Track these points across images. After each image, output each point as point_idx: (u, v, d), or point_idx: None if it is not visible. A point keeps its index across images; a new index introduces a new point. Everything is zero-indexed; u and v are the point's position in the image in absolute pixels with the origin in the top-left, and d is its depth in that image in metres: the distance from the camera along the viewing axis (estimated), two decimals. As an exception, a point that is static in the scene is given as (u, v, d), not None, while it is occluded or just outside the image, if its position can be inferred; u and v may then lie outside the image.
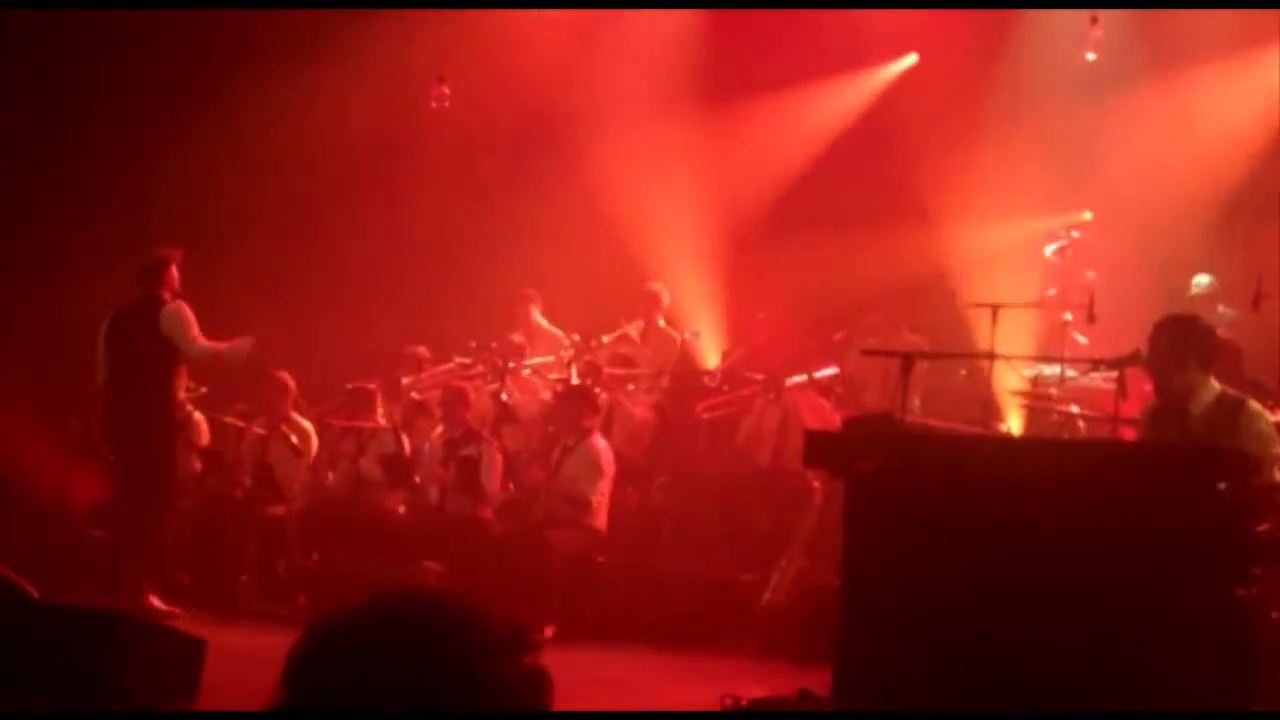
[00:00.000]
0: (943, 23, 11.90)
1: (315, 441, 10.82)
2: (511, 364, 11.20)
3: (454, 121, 12.17)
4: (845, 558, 5.77)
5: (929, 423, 7.25)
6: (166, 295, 9.20)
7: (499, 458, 10.24)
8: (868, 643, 5.57)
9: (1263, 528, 5.45)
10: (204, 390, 10.59)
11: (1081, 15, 10.90)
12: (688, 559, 9.91)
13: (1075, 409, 9.02)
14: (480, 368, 11.36)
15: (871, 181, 11.92)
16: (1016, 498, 5.39)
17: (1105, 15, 10.80)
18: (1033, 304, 9.88)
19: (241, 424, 10.87)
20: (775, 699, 6.21)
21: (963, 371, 10.70)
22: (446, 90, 11.72)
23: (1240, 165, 10.98)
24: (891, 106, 12.47)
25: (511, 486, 10.48)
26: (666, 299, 11.95)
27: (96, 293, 10.11)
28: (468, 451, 10.15)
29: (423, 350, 11.79)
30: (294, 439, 10.67)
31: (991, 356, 8.52)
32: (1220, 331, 7.14)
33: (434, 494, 10.28)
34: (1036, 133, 11.53)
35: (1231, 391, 6.40)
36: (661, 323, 11.91)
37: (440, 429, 10.67)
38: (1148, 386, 6.80)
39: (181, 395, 9.63)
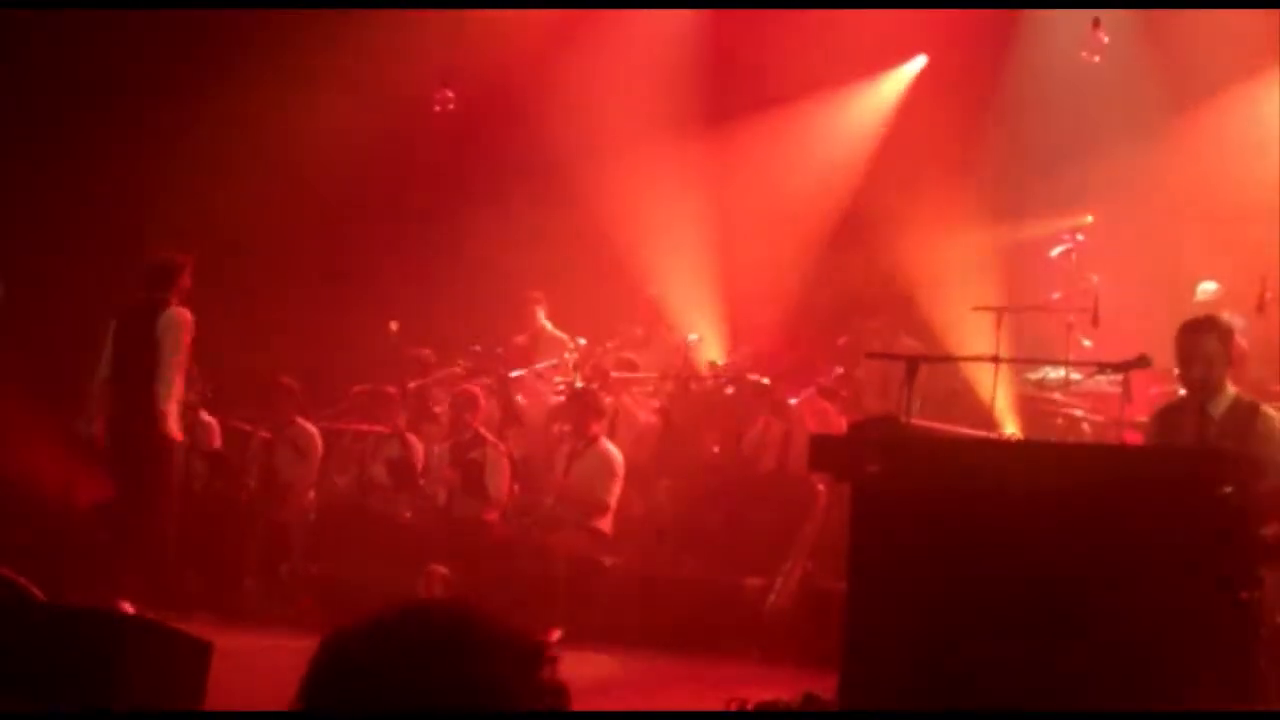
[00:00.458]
0: (943, 24, 11.90)
1: (320, 446, 10.83)
2: (514, 373, 11.20)
3: (458, 125, 12.17)
4: (850, 562, 5.78)
5: (933, 426, 7.25)
6: (174, 299, 9.21)
7: (505, 461, 10.24)
8: (873, 646, 5.57)
9: (1268, 531, 5.46)
10: (210, 395, 10.58)
11: (1083, 16, 10.88)
12: (692, 563, 9.91)
13: (1080, 412, 9.01)
14: (485, 377, 11.36)
15: (871, 184, 11.92)
16: (1022, 501, 5.39)
17: (1108, 16, 10.77)
18: (1037, 307, 9.87)
19: (248, 428, 10.88)
20: (780, 703, 6.20)
21: (963, 375, 10.68)
22: (450, 94, 11.73)
23: (1240, 168, 10.96)
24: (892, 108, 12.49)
25: (518, 490, 10.48)
26: (668, 304, 11.96)
27: (97, 293, 10.10)
28: (474, 455, 10.15)
29: (427, 353, 11.79)
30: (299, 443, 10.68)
31: (995, 360, 8.51)
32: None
33: (441, 497, 10.29)
34: (1037, 133, 11.52)
35: (1246, 396, 6.52)
36: (666, 327, 11.92)
37: (448, 433, 10.68)
38: (1153, 390, 6.82)
39: (191, 397, 9.62)
